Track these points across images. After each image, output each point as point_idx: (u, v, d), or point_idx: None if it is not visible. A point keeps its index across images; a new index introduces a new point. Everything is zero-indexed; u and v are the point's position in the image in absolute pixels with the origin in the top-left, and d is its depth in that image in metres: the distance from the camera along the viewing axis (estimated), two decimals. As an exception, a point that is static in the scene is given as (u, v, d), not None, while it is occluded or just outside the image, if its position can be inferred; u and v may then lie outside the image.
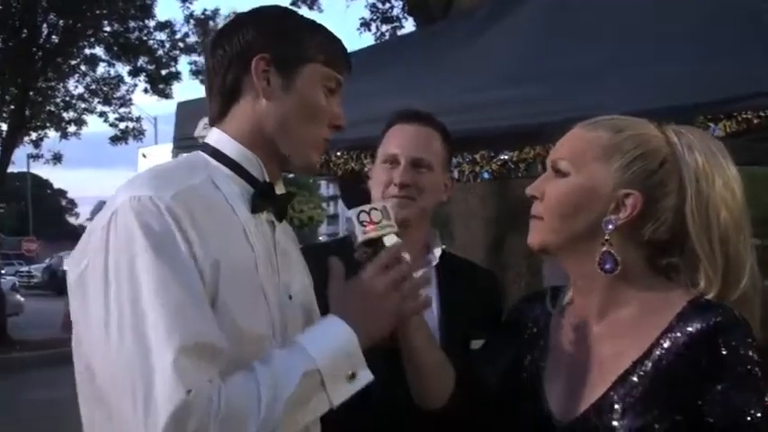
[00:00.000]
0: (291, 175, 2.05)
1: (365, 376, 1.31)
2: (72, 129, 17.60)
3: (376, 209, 1.46)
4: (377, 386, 1.34)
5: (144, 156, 15.53)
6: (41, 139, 17.66)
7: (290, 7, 1.71)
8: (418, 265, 1.93)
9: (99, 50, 17.02)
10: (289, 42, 1.43)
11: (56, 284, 30.54)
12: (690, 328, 1.38)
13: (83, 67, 17.25)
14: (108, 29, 16.56)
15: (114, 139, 17.52)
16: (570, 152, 1.53)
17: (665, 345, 1.40)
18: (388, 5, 12.79)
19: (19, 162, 18.80)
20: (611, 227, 1.45)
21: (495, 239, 6.53)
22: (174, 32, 16.76)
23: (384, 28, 12.74)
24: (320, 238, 52.59)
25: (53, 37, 15.81)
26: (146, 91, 17.13)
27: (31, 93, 15.65)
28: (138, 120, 18.08)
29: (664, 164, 1.48)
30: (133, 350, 1.16)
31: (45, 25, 15.58)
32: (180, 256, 1.22)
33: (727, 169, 1.48)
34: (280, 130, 1.42)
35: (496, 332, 1.82)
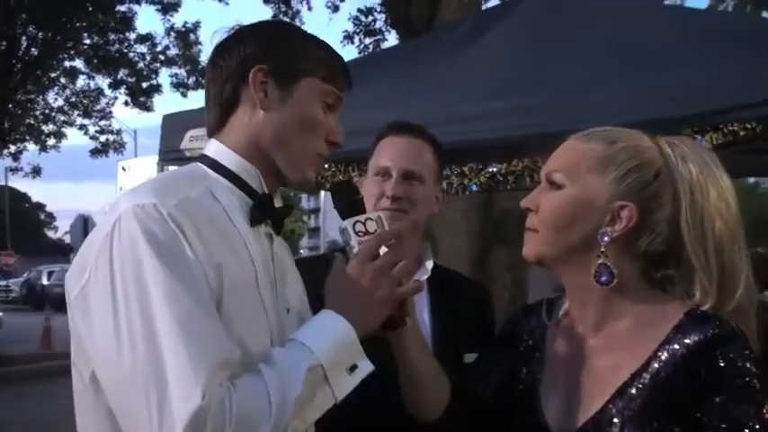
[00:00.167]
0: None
1: (365, 367, 1.31)
2: (51, 142, 17.50)
3: (371, 219, 1.45)
4: (372, 399, 1.33)
5: (124, 169, 15.41)
6: (20, 153, 17.53)
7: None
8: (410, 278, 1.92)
9: (79, 63, 16.98)
10: (288, 55, 1.43)
11: (34, 299, 30.26)
12: (687, 341, 1.38)
13: (62, 80, 17.18)
14: (88, 41, 16.48)
15: (95, 152, 17.45)
16: (564, 164, 1.53)
17: (663, 357, 1.40)
18: (370, 18, 12.86)
19: (-3, 175, 18.66)
20: (606, 239, 1.45)
21: (479, 252, 6.56)
22: (154, 45, 16.76)
23: (367, 41, 12.80)
24: (301, 251, 52.40)
25: (32, 49, 15.76)
26: (126, 104, 17.09)
27: (10, 105, 15.56)
28: (119, 132, 18.02)
29: (658, 175, 1.48)
30: (146, 359, 1.15)
31: (24, 38, 15.50)
32: (186, 263, 1.21)
33: (720, 180, 1.49)
34: (276, 142, 1.42)
35: (491, 345, 1.81)
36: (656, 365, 1.40)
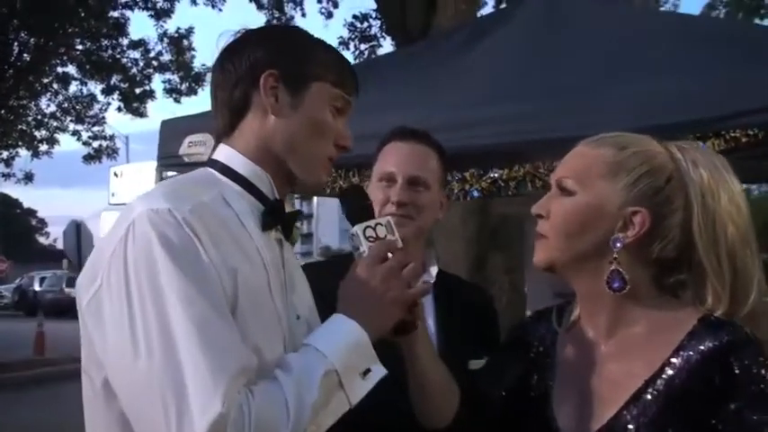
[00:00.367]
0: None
1: (378, 371, 1.30)
2: (44, 147, 17.44)
3: (381, 224, 1.44)
4: (381, 406, 1.33)
5: (116, 174, 15.39)
6: (13, 158, 17.47)
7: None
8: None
9: (71, 69, 16.92)
10: (298, 60, 1.43)
11: (26, 305, 30.18)
12: (702, 347, 1.38)
13: (55, 86, 17.12)
14: (80, 47, 16.45)
15: (88, 158, 17.39)
16: (575, 170, 1.52)
17: (677, 363, 1.39)
18: (366, 25, 12.86)
19: (-12, 181, 18.56)
20: (619, 245, 1.45)
21: (476, 257, 6.57)
22: (147, 51, 16.70)
23: (362, 47, 12.81)
24: (294, 256, 52.23)
25: (25, 55, 15.71)
26: (119, 109, 17.04)
27: (2, 111, 15.50)
28: (112, 138, 17.97)
29: (670, 180, 1.47)
30: (163, 366, 1.14)
31: (16, 43, 15.46)
32: (201, 267, 1.20)
33: (731, 184, 1.49)
34: (287, 147, 1.41)
35: (501, 351, 1.80)
36: (670, 372, 1.39)
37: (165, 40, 16.47)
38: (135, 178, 14.26)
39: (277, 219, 1.42)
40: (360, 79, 1.53)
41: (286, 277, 1.43)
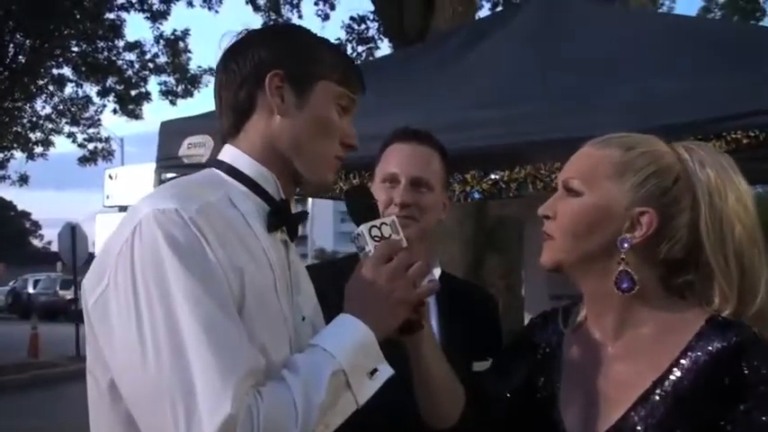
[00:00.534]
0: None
1: (385, 371, 1.29)
2: (39, 149, 17.39)
3: (386, 224, 1.43)
4: (386, 406, 1.32)
5: (111, 177, 15.42)
6: (8, 161, 17.42)
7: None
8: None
9: (67, 71, 16.88)
10: (302, 59, 1.42)
11: (20, 307, 30.09)
12: (710, 348, 1.38)
13: (50, 88, 17.06)
14: (76, 49, 16.41)
15: (83, 160, 17.34)
16: (582, 171, 1.52)
17: (686, 364, 1.39)
18: (363, 27, 12.87)
19: (-17, 184, 18.49)
20: (626, 245, 1.45)
21: (473, 259, 6.56)
22: (143, 53, 16.64)
23: (360, 49, 12.81)
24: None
25: (20, 57, 15.65)
26: (115, 111, 16.99)
27: (-3, 113, 15.45)
28: (107, 140, 17.92)
29: (677, 181, 1.47)
30: (171, 367, 1.13)
31: (12, 45, 15.41)
32: (209, 267, 1.20)
33: (738, 184, 1.49)
34: (294, 147, 1.41)
35: (506, 352, 1.80)
36: (678, 373, 1.39)
37: (161, 42, 16.44)
38: (130, 180, 14.28)
39: (283, 220, 1.42)
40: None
41: (291, 278, 1.43)
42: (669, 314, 1.47)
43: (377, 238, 1.40)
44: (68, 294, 25.19)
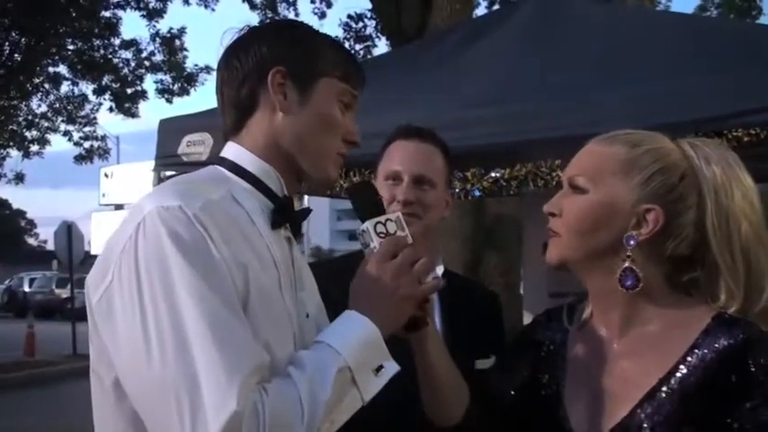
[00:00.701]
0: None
1: (391, 368, 1.29)
2: (35, 148, 17.36)
3: (391, 220, 1.43)
4: (391, 403, 1.32)
5: (106, 175, 15.39)
6: (3, 159, 17.38)
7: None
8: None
9: (63, 69, 16.84)
10: (305, 56, 1.42)
11: (16, 306, 30.04)
12: (716, 345, 1.38)
13: (46, 86, 17.03)
14: (72, 47, 16.37)
15: (79, 159, 17.30)
16: (587, 168, 1.51)
17: (692, 362, 1.39)
18: (361, 25, 12.87)
19: (-22, 182, 18.44)
20: (632, 243, 1.44)
21: (471, 257, 6.57)
22: (139, 51, 16.62)
23: (357, 47, 12.79)
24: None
25: (16, 55, 15.61)
26: (111, 110, 16.96)
27: (-8, 111, 15.41)
28: (103, 138, 17.89)
29: (683, 178, 1.47)
30: (176, 364, 1.13)
31: (7, 43, 15.38)
32: (213, 264, 1.19)
33: (744, 180, 1.49)
34: (297, 144, 1.40)
35: (511, 350, 1.79)
36: (684, 370, 1.39)
37: (158, 40, 16.42)
38: (126, 179, 14.27)
39: (286, 217, 1.41)
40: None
41: (295, 275, 1.43)
42: (675, 311, 1.46)
43: (382, 235, 1.40)
44: (64, 293, 25.19)
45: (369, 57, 11.80)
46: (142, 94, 17.06)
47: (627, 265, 1.44)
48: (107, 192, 14.92)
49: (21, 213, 61.35)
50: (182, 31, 16.57)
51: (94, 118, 17.61)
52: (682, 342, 1.41)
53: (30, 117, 17.26)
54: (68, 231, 15.46)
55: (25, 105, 17.09)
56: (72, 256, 15.62)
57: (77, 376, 11.79)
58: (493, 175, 3.13)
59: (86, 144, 17.47)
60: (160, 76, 16.81)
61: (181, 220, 1.21)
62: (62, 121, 17.43)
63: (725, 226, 1.44)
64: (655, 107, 2.84)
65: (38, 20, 14.56)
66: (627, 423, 1.40)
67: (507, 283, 6.34)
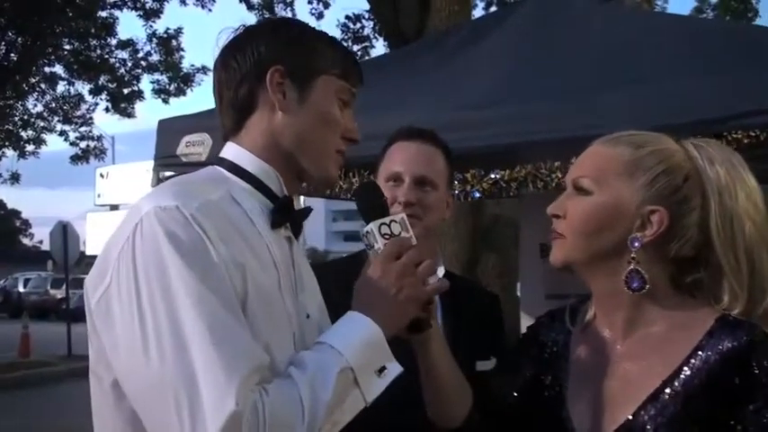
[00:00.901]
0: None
1: (394, 369, 1.29)
2: (30, 148, 17.32)
3: (395, 221, 1.43)
4: (393, 405, 1.31)
5: (102, 175, 15.35)
6: (-1, 159, 17.35)
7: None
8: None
9: (59, 68, 16.81)
10: (303, 54, 1.41)
11: (11, 306, 29.96)
12: (720, 347, 1.38)
13: (42, 86, 16.99)
14: (68, 47, 16.34)
15: (75, 159, 17.27)
16: (591, 170, 1.51)
17: (696, 363, 1.39)
18: (358, 25, 12.86)
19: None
20: (637, 244, 1.44)
21: (468, 258, 6.57)
22: (136, 51, 16.60)
23: (355, 48, 12.78)
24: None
25: (12, 55, 15.58)
26: (107, 110, 16.94)
27: (-12, 111, 15.37)
28: (100, 139, 17.86)
29: (687, 179, 1.47)
30: (175, 365, 1.13)
31: (3, 43, 15.34)
32: (211, 264, 1.19)
33: (748, 181, 1.49)
34: (297, 143, 1.40)
35: (513, 351, 1.79)
36: (688, 372, 1.39)
37: (154, 40, 16.39)
38: (121, 179, 14.22)
39: (286, 216, 1.41)
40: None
41: (296, 276, 1.42)
42: (679, 313, 1.46)
43: (386, 236, 1.40)
44: (59, 293, 25.13)
45: (367, 57, 11.82)
46: (139, 95, 17.04)
47: (633, 267, 1.44)
48: (102, 192, 14.87)
49: (16, 213, 61.21)
50: (178, 31, 16.55)
51: (91, 118, 17.60)
52: (685, 344, 1.41)
53: (26, 117, 17.23)
54: (64, 232, 15.44)
55: (21, 105, 17.06)
56: (67, 257, 15.59)
57: (72, 377, 11.79)
58: (492, 176, 3.13)
59: (82, 144, 17.46)
60: (157, 76, 16.81)
61: (178, 221, 1.20)
62: (58, 120, 17.42)
63: (729, 227, 1.45)
64: (654, 109, 2.84)
65: (34, 19, 14.54)
66: (630, 425, 1.40)
67: (504, 285, 6.34)
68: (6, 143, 17.10)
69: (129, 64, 16.70)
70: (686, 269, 1.50)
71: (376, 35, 12.43)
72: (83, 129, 17.53)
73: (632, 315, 1.49)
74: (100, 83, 16.79)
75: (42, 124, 17.36)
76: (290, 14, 13.88)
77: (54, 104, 17.26)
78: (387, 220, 1.42)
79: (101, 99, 17.01)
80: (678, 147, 1.52)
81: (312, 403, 1.17)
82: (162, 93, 16.68)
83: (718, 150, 1.52)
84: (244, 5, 13.87)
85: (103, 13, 16.05)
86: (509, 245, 6.40)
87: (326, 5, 14.00)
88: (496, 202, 6.24)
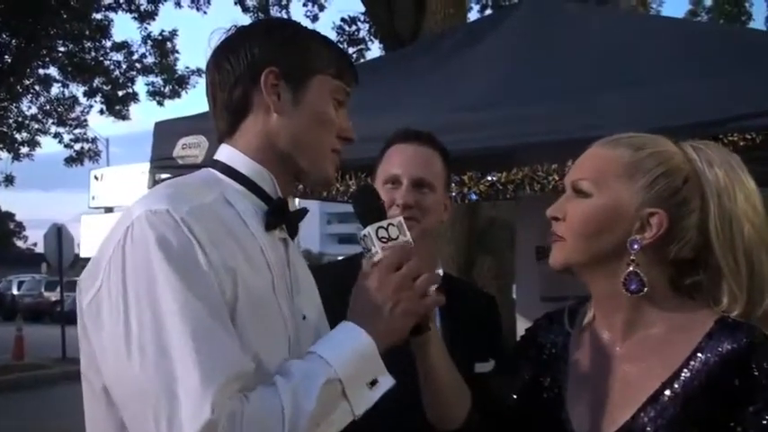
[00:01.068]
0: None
1: (386, 382, 1.27)
2: (24, 150, 17.28)
3: (393, 224, 1.42)
4: (392, 409, 1.31)
5: (96, 177, 15.33)
6: (-7, 161, 17.30)
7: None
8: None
9: (53, 70, 16.78)
10: (297, 55, 1.40)
11: (4, 309, 29.83)
12: (720, 349, 1.38)
13: (36, 88, 16.96)
14: (63, 49, 16.31)
15: (70, 161, 17.23)
16: (591, 172, 1.51)
17: (695, 365, 1.39)
18: (354, 28, 12.86)
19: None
20: (636, 247, 1.44)
21: (464, 261, 6.57)
22: (131, 53, 16.59)
23: (351, 50, 12.78)
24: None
25: (6, 57, 15.55)
26: (102, 112, 16.91)
27: (-18, 113, 15.33)
28: (94, 141, 17.83)
29: (686, 181, 1.47)
30: (156, 372, 1.12)
31: (-3, 45, 15.32)
32: (199, 270, 1.19)
33: (747, 183, 1.49)
34: (293, 144, 1.39)
35: (513, 353, 1.79)
36: (687, 374, 1.39)
37: (149, 42, 16.38)
38: (115, 181, 14.21)
39: (281, 218, 1.40)
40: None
41: (291, 277, 1.41)
42: (678, 315, 1.46)
43: (384, 239, 1.39)
44: (53, 296, 25.06)
45: (362, 60, 11.83)
46: (133, 97, 17.03)
47: (631, 269, 1.44)
48: (97, 194, 14.86)
49: (10, 216, 60.97)
50: (173, 33, 16.56)
51: (85, 120, 17.56)
52: (685, 346, 1.41)
53: (20, 119, 17.20)
54: (58, 234, 15.39)
55: (15, 107, 17.02)
56: (62, 259, 15.54)
57: (66, 380, 11.74)
58: (489, 178, 3.13)
59: (77, 146, 17.43)
60: (151, 78, 16.79)
61: (168, 225, 1.20)
62: (52, 122, 17.39)
63: (728, 229, 1.45)
64: (651, 111, 2.85)
65: (28, 21, 14.51)
66: (630, 426, 1.40)
67: (500, 287, 6.35)
68: (0, 145, 17.04)
69: (124, 66, 16.71)
70: (685, 271, 1.50)
71: (371, 38, 12.44)
72: (77, 131, 17.52)
73: (632, 317, 1.49)
74: (94, 85, 16.77)
75: (37, 126, 17.34)
76: (285, 17, 13.88)
77: (48, 106, 17.24)
78: (384, 223, 1.41)
79: (95, 101, 17.00)
80: (677, 149, 1.52)
81: (294, 411, 1.16)
82: (157, 95, 16.67)
83: (717, 152, 1.52)
84: (239, 7, 13.90)
85: (98, 15, 16.05)
86: (504, 247, 6.41)
87: (322, 8, 14.02)
88: (492, 205, 6.24)
